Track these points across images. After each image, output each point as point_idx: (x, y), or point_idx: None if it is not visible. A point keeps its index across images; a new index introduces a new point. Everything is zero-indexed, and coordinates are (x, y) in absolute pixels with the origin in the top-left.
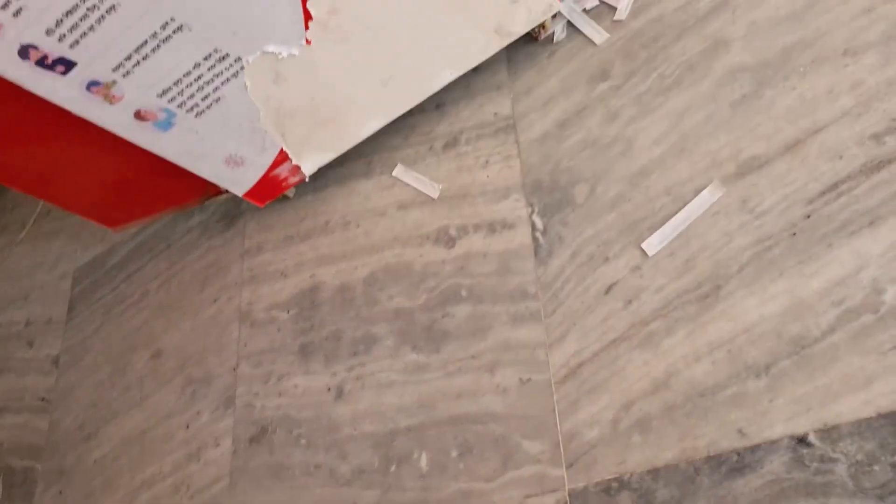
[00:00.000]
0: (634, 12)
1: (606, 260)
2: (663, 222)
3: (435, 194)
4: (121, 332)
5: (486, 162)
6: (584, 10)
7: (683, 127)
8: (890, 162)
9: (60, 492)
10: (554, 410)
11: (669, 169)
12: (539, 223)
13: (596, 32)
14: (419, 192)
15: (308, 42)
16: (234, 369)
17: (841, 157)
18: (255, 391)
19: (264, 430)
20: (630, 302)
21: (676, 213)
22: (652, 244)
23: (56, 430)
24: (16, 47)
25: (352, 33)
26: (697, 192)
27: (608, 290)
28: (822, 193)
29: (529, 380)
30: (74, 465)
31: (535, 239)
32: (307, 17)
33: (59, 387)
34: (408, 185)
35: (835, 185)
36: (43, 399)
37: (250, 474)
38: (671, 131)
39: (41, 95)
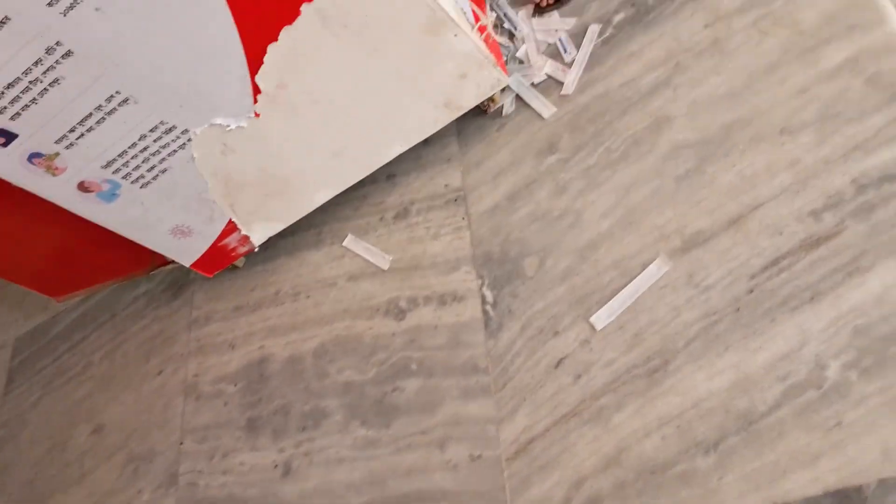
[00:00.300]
0: (581, 87)
1: (556, 333)
2: (612, 296)
3: (385, 265)
4: (62, 406)
5: (437, 233)
6: (532, 85)
7: (630, 201)
8: (828, 239)
9: None
10: (504, 488)
11: (617, 242)
12: (489, 296)
13: (544, 106)
14: (369, 263)
15: (257, 115)
16: (179, 445)
17: (781, 233)
18: (199, 468)
19: None
20: (580, 376)
21: (624, 287)
22: (600, 318)
23: None
24: None
25: (301, 106)
26: (645, 265)
27: (558, 364)
28: (765, 269)
29: (480, 456)
30: None
31: (485, 312)
32: (256, 90)
33: None
34: (358, 255)
35: (776, 261)
36: None
37: None
38: (618, 205)
39: None
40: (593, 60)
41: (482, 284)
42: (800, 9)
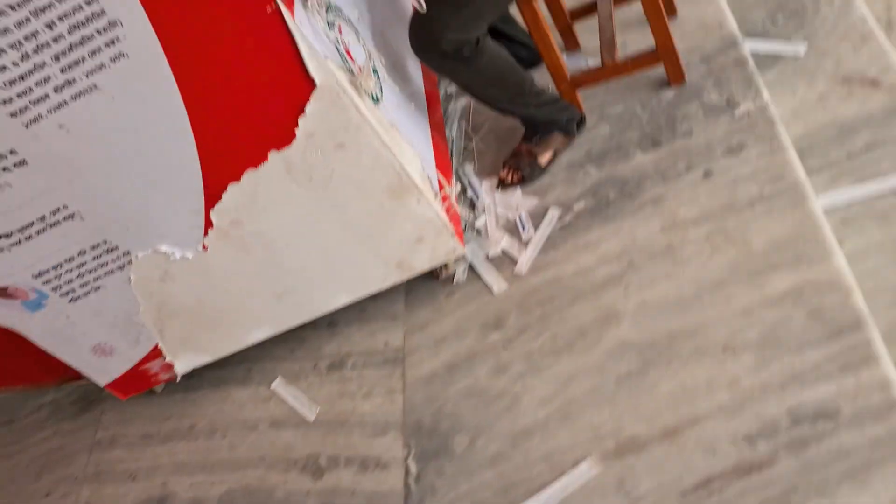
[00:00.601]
0: (534, 268)
1: None
2: (539, 489)
3: (311, 416)
4: None
5: (370, 392)
6: (487, 257)
7: (570, 393)
8: (760, 468)
9: None
10: None
11: (552, 435)
12: (413, 468)
13: (495, 281)
14: (295, 412)
15: (205, 247)
16: None
17: (715, 454)
18: None
19: None
20: None
21: (553, 482)
22: None
23: None
24: None
25: (253, 246)
26: (576, 463)
27: None
28: (696, 488)
29: None
30: None
31: (406, 485)
32: (208, 224)
33: None
34: (285, 401)
35: (707, 482)
36: None
37: None
38: (557, 395)
39: None
40: (549, 243)
41: (408, 455)
42: (752, 231)
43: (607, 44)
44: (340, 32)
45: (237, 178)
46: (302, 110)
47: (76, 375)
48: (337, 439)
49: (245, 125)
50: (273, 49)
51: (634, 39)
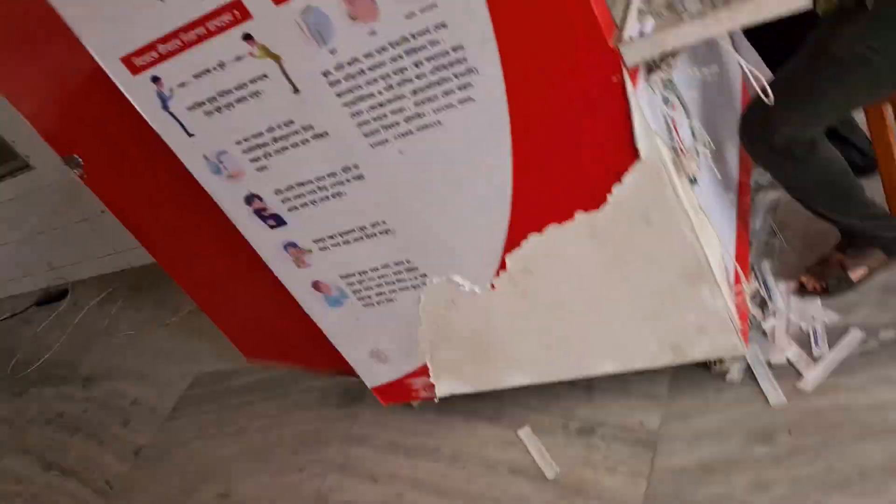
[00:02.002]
0: (821, 389)
1: None
2: None
3: (550, 475)
4: (205, 456)
5: (614, 468)
6: (769, 364)
7: None
8: None
9: None
10: None
11: None
12: None
13: (773, 391)
14: (535, 464)
15: (493, 287)
16: None
17: None
18: None
19: None
20: None
21: None
22: None
23: None
24: (244, 193)
25: (536, 295)
26: None
27: None
28: None
29: None
30: None
31: None
32: (502, 266)
33: (129, 478)
34: (528, 451)
35: None
36: (108, 483)
37: None
38: None
39: (245, 235)
40: (844, 366)
41: None
42: None
43: None
44: (673, 109)
45: (540, 229)
46: (619, 179)
47: (349, 371)
48: None
49: (561, 182)
50: (607, 116)
51: None
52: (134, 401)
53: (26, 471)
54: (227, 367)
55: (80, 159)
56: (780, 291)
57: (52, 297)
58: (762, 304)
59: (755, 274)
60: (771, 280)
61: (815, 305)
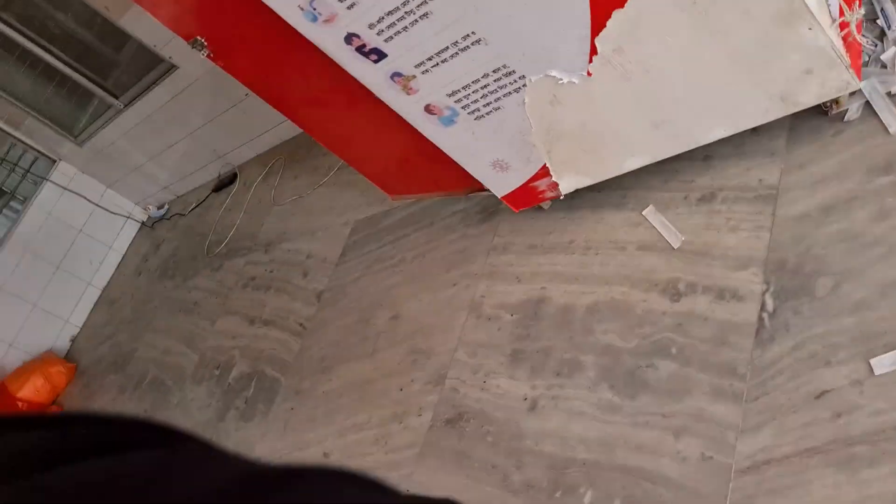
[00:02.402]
0: None
1: (828, 364)
2: None
3: (676, 244)
4: (374, 288)
5: (736, 227)
6: (889, 94)
7: None
8: None
9: (292, 408)
10: (726, 498)
11: None
12: (770, 304)
13: (894, 120)
14: (661, 238)
15: (589, 73)
16: (453, 352)
17: None
18: (463, 378)
19: (460, 416)
20: (839, 416)
21: None
22: (883, 363)
23: (303, 356)
24: (343, 34)
25: (633, 73)
26: None
27: (820, 395)
28: None
29: (711, 458)
30: (308, 390)
31: (760, 319)
32: (593, 51)
33: (316, 318)
34: (653, 227)
35: None
36: (301, 325)
37: (438, 452)
38: None
39: (354, 76)
40: None
41: (766, 290)
42: None
43: None
44: None
45: (622, 4)
46: None
47: (480, 187)
48: (698, 268)
49: None
50: None
51: None
52: (308, 255)
53: (236, 328)
54: (378, 210)
55: (204, 40)
56: None
57: (224, 183)
58: (881, 35)
59: (871, 2)
60: (889, 6)
61: None
